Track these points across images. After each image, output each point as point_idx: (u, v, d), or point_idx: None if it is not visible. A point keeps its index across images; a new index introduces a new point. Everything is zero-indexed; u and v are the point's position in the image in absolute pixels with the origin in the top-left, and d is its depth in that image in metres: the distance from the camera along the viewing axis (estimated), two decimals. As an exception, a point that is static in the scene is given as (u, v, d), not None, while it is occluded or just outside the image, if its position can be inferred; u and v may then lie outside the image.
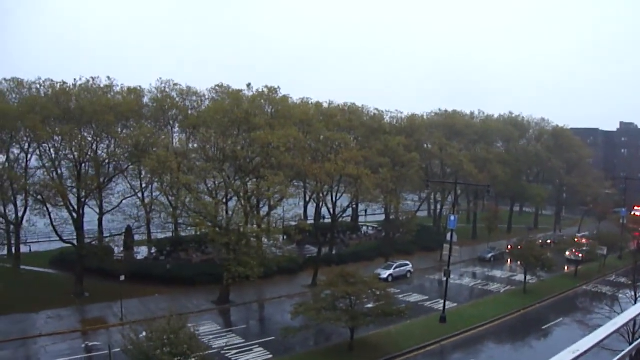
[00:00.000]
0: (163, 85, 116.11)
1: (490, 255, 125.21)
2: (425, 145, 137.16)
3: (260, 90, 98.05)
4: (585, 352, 6.03)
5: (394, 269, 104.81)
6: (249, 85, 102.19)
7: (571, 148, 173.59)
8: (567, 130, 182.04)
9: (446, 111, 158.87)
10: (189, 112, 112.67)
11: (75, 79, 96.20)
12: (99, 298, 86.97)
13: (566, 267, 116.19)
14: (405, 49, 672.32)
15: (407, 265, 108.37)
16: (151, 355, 48.65)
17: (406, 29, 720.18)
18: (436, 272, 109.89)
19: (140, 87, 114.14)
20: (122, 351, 51.51)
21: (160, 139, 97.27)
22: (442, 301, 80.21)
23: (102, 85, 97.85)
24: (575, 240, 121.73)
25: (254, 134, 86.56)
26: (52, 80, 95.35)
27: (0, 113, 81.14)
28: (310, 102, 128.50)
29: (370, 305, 65.92)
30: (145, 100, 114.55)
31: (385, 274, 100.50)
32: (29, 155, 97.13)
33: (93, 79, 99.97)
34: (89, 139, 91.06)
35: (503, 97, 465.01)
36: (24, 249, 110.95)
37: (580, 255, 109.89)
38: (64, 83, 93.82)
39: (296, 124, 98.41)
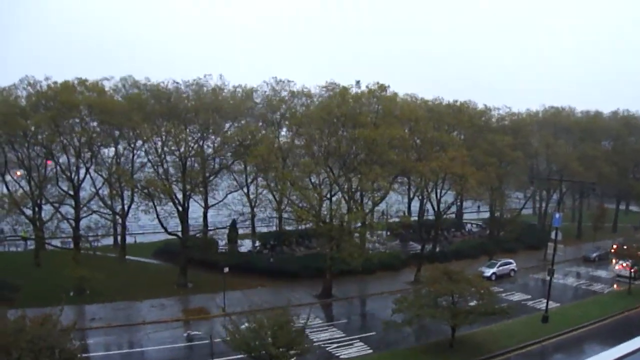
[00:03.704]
0: (275, 84, 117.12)
1: (595, 255, 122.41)
2: (531, 143, 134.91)
3: (370, 87, 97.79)
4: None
5: (498, 267, 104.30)
6: (357, 82, 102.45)
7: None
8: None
9: (552, 108, 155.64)
10: (297, 110, 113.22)
11: (185, 80, 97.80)
12: (202, 289, 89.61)
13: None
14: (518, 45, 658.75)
15: (511, 263, 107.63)
16: (253, 346, 49.77)
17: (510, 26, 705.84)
18: (540, 271, 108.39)
19: (252, 87, 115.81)
20: (223, 341, 52.80)
21: (266, 137, 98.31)
22: (545, 300, 79.59)
23: (212, 86, 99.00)
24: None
25: (358, 132, 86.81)
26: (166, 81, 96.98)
27: (108, 109, 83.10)
28: (417, 99, 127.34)
29: (472, 304, 65.70)
30: (256, 99, 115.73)
31: (488, 272, 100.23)
32: (136, 151, 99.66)
33: (205, 76, 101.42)
34: (195, 135, 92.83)
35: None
36: (129, 239, 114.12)
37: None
38: (175, 82, 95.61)
39: (402, 122, 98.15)
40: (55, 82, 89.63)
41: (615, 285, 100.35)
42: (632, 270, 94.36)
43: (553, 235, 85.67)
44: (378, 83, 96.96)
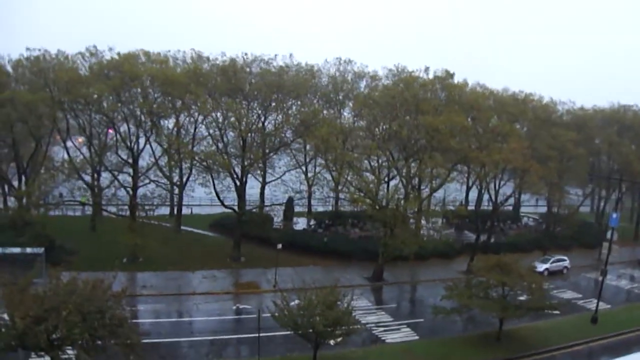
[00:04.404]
0: (338, 64, 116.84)
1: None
2: (594, 140, 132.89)
3: (438, 74, 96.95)
4: None
5: (551, 263, 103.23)
6: (427, 68, 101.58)
7: None
8: None
9: (620, 105, 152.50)
10: (361, 92, 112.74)
11: (246, 54, 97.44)
12: (254, 263, 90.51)
13: None
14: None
15: (564, 260, 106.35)
16: (300, 323, 49.87)
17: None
18: (593, 271, 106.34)
19: (316, 65, 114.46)
20: (272, 317, 52.99)
21: (327, 117, 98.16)
22: (596, 301, 78.26)
23: (278, 64, 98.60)
24: None
25: (421, 118, 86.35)
26: (232, 56, 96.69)
27: (169, 81, 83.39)
28: (486, 88, 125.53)
29: (522, 298, 65.15)
30: (320, 78, 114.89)
31: (541, 267, 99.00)
32: (197, 124, 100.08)
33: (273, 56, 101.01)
34: (257, 112, 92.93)
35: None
36: (185, 210, 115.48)
37: None
38: (240, 57, 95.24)
39: (466, 109, 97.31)
40: (118, 53, 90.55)
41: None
42: None
43: (608, 235, 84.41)
44: (447, 70, 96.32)
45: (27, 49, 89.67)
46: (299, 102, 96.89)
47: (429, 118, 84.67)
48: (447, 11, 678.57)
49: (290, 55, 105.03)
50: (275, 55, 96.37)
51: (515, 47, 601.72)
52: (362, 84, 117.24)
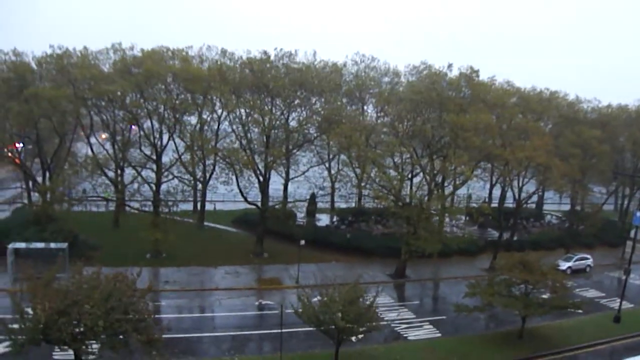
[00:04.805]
0: (362, 61, 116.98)
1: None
2: (619, 138, 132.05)
3: (462, 71, 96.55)
4: None
5: (574, 262, 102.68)
6: (450, 65, 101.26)
7: None
8: None
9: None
10: (384, 89, 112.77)
11: (273, 50, 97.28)
12: (277, 259, 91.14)
13: None
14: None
15: (588, 259, 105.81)
16: (323, 319, 49.91)
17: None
18: (616, 270, 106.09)
19: (340, 63, 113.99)
20: (294, 313, 52.90)
21: (350, 115, 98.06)
22: (619, 300, 77.78)
23: (301, 60, 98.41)
24: None
25: (445, 116, 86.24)
26: (256, 53, 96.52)
27: (192, 77, 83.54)
28: (512, 86, 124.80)
29: (545, 296, 64.92)
30: (344, 75, 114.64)
31: (564, 265, 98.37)
32: (220, 120, 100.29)
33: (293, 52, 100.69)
34: (281, 108, 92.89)
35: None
36: (208, 206, 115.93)
37: None
38: (265, 53, 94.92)
39: (490, 107, 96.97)
40: (142, 49, 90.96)
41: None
42: None
43: (632, 234, 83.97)
44: (472, 68, 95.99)
45: (51, 46, 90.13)
46: (322, 99, 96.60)
47: (454, 116, 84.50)
48: (476, 10, 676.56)
49: (314, 53, 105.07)
50: (296, 50, 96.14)
51: (545, 45, 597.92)
52: (385, 80, 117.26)
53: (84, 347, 40.98)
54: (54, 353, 48.40)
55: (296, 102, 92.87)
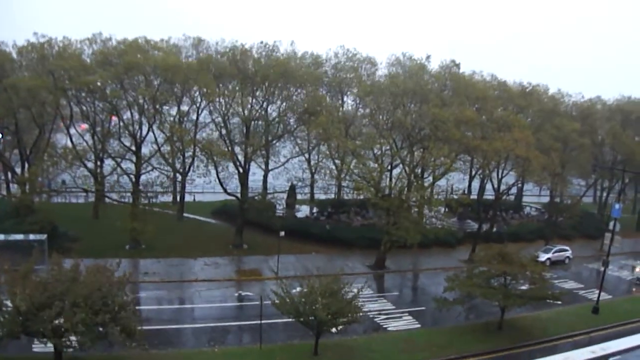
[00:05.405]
0: (342, 53, 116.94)
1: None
2: (598, 131, 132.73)
3: (443, 62, 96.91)
4: None
5: (553, 253, 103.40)
6: (428, 56, 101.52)
7: None
8: None
9: (625, 97, 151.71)
10: (363, 79, 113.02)
11: (259, 42, 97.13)
12: (257, 251, 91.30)
13: None
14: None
15: (567, 250, 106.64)
16: (302, 311, 50.05)
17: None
18: (595, 261, 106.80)
19: (320, 55, 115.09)
20: (272, 305, 53.43)
21: (328, 106, 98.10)
22: (597, 291, 78.55)
23: (281, 51, 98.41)
24: None
25: (425, 108, 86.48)
26: (236, 43, 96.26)
27: (173, 68, 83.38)
28: (493, 79, 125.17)
29: (524, 287, 65.25)
30: (324, 67, 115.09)
31: (543, 257, 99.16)
32: (200, 111, 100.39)
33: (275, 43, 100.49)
34: (261, 99, 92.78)
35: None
36: (188, 198, 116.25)
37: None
38: (243, 46, 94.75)
39: (471, 99, 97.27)
40: (124, 39, 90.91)
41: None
42: None
43: (611, 226, 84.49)
44: (452, 60, 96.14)
45: (35, 33, 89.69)
46: (303, 90, 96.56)
47: (435, 109, 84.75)
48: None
49: (292, 42, 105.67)
50: (275, 42, 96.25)
51: (532, 38, 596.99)
52: (363, 72, 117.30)
53: (64, 339, 40.94)
54: (34, 345, 48.24)
55: (276, 92, 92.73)
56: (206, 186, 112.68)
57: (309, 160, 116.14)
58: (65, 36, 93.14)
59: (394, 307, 73.13)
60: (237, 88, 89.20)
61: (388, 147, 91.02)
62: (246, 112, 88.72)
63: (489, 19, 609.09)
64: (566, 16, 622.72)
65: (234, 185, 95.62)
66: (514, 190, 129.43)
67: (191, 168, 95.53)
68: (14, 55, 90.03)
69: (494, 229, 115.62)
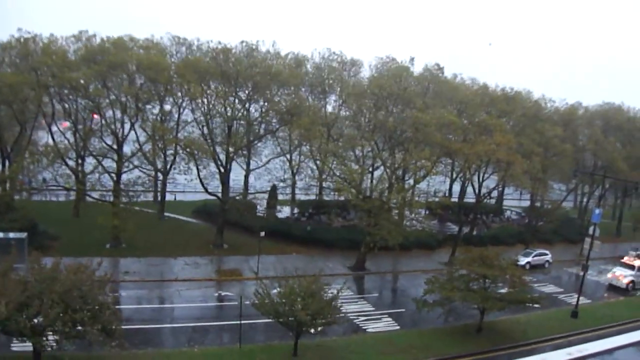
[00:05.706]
0: (327, 54, 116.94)
1: (633, 255, 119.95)
2: (579, 137, 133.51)
3: (427, 66, 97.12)
4: None
5: (533, 257, 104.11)
6: (412, 59, 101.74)
7: None
8: None
9: (606, 103, 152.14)
10: (347, 81, 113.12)
11: (241, 42, 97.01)
12: (237, 251, 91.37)
13: None
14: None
15: (547, 254, 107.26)
16: (282, 311, 50.14)
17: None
18: (574, 266, 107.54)
19: (303, 55, 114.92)
20: (252, 305, 53.46)
21: (310, 107, 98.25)
22: (577, 295, 78.81)
23: (264, 51, 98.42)
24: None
25: (408, 112, 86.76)
26: (219, 42, 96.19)
27: (156, 66, 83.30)
28: (474, 83, 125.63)
29: (503, 291, 65.52)
30: (307, 67, 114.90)
31: (523, 260, 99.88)
32: (182, 110, 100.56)
33: (256, 42, 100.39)
34: (243, 98, 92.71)
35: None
36: (168, 197, 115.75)
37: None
38: (225, 46, 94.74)
39: (454, 103, 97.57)
40: (108, 37, 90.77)
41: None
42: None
43: (591, 231, 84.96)
44: (436, 64, 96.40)
45: (19, 29, 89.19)
46: (285, 91, 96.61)
47: (417, 113, 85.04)
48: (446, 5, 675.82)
49: (274, 43, 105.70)
50: (257, 41, 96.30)
51: (520, 44, 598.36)
52: (346, 73, 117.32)
53: (43, 339, 40.84)
54: (12, 345, 48.05)
55: (258, 92, 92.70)
56: (187, 186, 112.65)
57: (290, 161, 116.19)
58: (52, 33, 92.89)
59: (373, 308, 73.20)
60: (219, 88, 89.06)
61: (370, 149, 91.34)
62: (229, 111, 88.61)
63: (483, 24, 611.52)
64: (566, 17, 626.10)
65: (215, 185, 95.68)
66: (494, 193, 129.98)
67: (172, 167, 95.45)
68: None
69: (475, 232, 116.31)
